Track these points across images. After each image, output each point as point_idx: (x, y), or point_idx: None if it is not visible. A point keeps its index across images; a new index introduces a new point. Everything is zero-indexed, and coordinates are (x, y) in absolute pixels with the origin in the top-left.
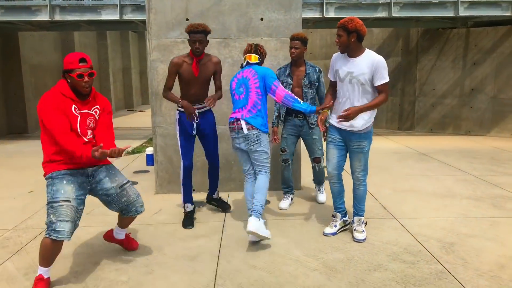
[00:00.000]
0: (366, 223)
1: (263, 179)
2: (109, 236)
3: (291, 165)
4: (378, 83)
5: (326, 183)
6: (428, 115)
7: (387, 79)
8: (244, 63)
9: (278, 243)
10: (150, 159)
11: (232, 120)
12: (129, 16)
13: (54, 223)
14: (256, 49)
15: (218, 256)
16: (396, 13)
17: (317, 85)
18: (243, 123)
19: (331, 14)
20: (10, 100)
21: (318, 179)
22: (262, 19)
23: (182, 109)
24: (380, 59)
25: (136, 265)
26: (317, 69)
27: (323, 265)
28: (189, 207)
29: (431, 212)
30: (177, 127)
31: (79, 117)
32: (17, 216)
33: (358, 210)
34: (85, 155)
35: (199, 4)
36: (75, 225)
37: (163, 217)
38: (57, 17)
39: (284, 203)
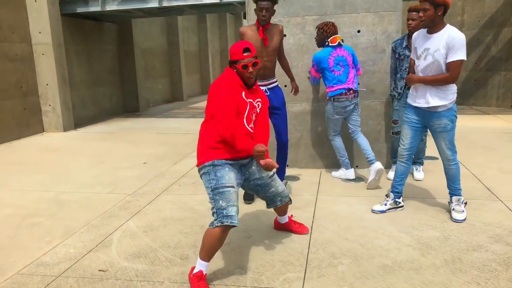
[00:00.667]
0: (466, 203)
1: (363, 136)
2: (277, 224)
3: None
4: (448, 59)
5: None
6: None
7: (460, 57)
8: (336, 43)
9: (370, 218)
10: None
11: (344, 91)
12: None
13: (225, 208)
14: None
15: (312, 227)
16: None
17: None
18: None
19: None
20: (125, 82)
21: (417, 155)
22: None
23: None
24: (458, 35)
25: (237, 230)
26: None
27: (417, 242)
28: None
29: None
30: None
31: (248, 105)
32: (134, 183)
33: (454, 189)
34: (247, 149)
35: None
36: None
37: None
38: (165, 3)
39: (391, 173)
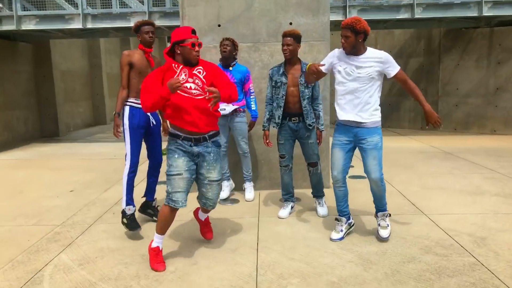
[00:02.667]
0: (389, 215)
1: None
2: (196, 213)
3: (291, 170)
4: (395, 71)
5: (327, 194)
6: (452, 115)
7: (398, 66)
8: None
9: (312, 237)
10: None
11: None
12: (156, 22)
13: (170, 193)
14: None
15: (257, 249)
16: (419, 14)
17: (313, 84)
18: None
19: (354, 15)
20: (42, 105)
21: (316, 187)
22: (291, 23)
23: (132, 104)
24: (384, 53)
25: (182, 257)
26: None
27: (358, 257)
28: (132, 209)
29: (461, 208)
30: (125, 122)
31: (182, 73)
32: (63, 213)
33: (380, 205)
34: (156, 97)
35: (231, 10)
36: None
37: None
38: (89, 25)
39: (284, 212)
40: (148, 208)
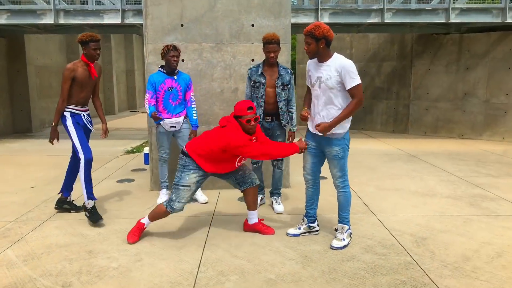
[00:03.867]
0: (350, 234)
1: None
2: (247, 225)
3: (261, 166)
4: (348, 86)
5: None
6: (422, 119)
7: (357, 81)
8: None
9: (261, 236)
10: (147, 158)
11: None
12: (130, 20)
13: (173, 201)
14: None
15: (204, 247)
16: (388, 19)
17: (289, 86)
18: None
19: (325, 19)
20: (15, 100)
21: (276, 184)
22: (253, 25)
23: (72, 110)
24: (347, 62)
25: (127, 254)
26: (288, 71)
27: (300, 255)
28: (91, 203)
29: (409, 209)
30: (68, 123)
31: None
32: (18, 209)
33: (340, 217)
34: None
35: (194, 10)
36: None
37: None
38: (61, 21)
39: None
40: (64, 203)
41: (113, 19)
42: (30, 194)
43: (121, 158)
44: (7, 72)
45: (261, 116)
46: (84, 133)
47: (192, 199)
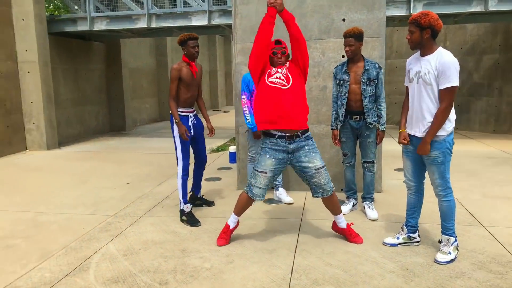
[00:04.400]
0: (457, 247)
1: None
2: (335, 226)
3: (354, 167)
4: (441, 86)
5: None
6: None
7: (453, 83)
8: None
9: (354, 244)
10: (233, 157)
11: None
12: (216, 21)
13: (253, 185)
14: None
15: (295, 252)
16: (493, 7)
17: (376, 82)
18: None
19: (419, 10)
20: (111, 101)
21: (368, 188)
22: (344, 19)
23: (180, 113)
24: (449, 59)
25: (219, 255)
26: (376, 65)
27: (401, 268)
28: (189, 207)
29: None
30: (174, 130)
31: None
32: (117, 205)
33: (444, 228)
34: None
35: None
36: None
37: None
38: (153, 25)
39: (345, 208)
40: (196, 200)
41: (200, 21)
42: (126, 190)
43: (208, 156)
44: (106, 75)
45: (345, 115)
46: (192, 137)
47: (277, 200)
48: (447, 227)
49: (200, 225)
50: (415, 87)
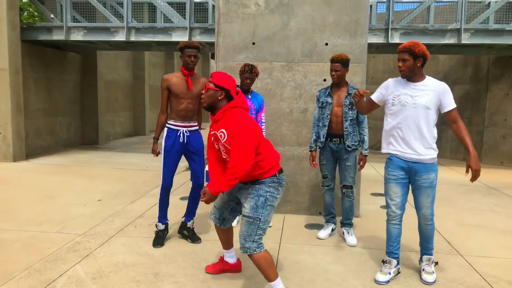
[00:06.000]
0: (436, 263)
1: None
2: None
3: (333, 190)
4: (449, 108)
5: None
6: (499, 147)
7: (454, 104)
8: None
9: (334, 270)
10: (207, 176)
11: None
12: (197, 38)
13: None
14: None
15: None
16: (466, 40)
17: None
18: None
19: (396, 39)
20: (85, 113)
21: (347, 213)
22: (327, 44)
23: (170, 126)
24: (445, 85)
25: (194, 280)
26: None
27: None
28: (160, 226)
29: (502, 251)
30: (163, 143)
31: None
32: (86, 223)
33: (427, 249)
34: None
35: (266, 29)
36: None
37: None
38: (132, 38)
39: (323, 233)
40: (184, 229)
41: (181, 37)
42: (97, 207)
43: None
44: (80, 86)
45: (325, 137)
46: (186, 154)
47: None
48: (429, 247)
49: (159, 247)
50: (410, 111)
